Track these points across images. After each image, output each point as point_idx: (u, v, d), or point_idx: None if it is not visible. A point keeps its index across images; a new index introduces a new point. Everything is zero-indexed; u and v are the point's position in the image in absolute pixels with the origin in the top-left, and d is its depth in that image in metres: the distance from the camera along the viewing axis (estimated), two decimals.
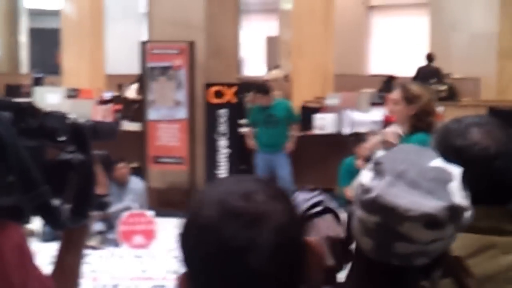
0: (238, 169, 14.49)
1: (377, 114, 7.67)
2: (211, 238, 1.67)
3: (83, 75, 22.35)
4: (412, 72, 25.99)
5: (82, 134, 2.70)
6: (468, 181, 2.36)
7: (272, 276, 1.65)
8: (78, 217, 2.55)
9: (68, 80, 22.09)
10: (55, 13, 25.14)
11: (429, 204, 1.99)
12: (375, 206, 2.04)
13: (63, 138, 2.51)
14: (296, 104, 19.09)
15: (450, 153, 2.60)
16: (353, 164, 10.11)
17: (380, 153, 2.19)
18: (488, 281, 2.60)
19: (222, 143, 14.39)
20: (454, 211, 2.03)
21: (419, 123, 7.18)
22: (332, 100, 16.33)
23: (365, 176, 2.12)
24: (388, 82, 23.89)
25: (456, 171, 2.14)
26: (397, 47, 32.21)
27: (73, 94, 17.49)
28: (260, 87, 14.50)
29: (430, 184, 2.04)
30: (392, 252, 2.06)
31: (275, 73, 27.34)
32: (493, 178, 2.68)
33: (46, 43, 27.82)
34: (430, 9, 31.39)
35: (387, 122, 7.39)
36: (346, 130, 7.92)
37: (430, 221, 1.99)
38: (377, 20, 33.76)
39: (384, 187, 2.04)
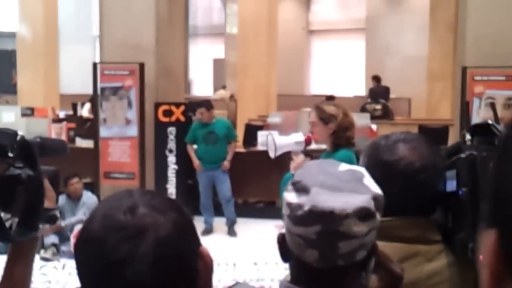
0: (185, 184, 14.48)
1: (299, 135, 7.70)
2: (94, 251, 1.65)
3: (38, 94, 22.11)
4: (352, 92, 26.15)
5: (30, 151, 2.67)
6: (395, 194, 2.53)
7: (151, 287, 1.61)
8: (27, 230, 2.52)
9: (24, 99, 21.96)
10: (11, 35, 24.89)
11: (358, 200, 2.10)
12: (313, 216, 2.08)
13: (11, 155, 2.48)
14: (241, 122, 19.17)
15: (378, 167, 2.70)
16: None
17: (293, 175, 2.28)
18: (412, 286, 2.61)
19: (171, 159, 14.31)
20: (378, 200, 2.14)
21: (339, 140, 7.31)
22: (274, 118, 16.39)
23: (290, 197, 2.18)
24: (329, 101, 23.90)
25: (361, 168, 2.31)
26: (336, 69, 32.31)
27: (28, 112, 17.39)
28: (203, 102, 14.44)
29: (350, 184, 2.15)
30: (337, 253, 2.11)
31: (222, 93, 27.40)
32: (418, 191, 2.69)
33: (2, 63, 27.54)
34: (366, 34, 31.73)
35: (307, 142, 7.39)
36: (271, 154, 7.92)
37: (364, 213, 2.09)
38: (316, 43, 33.91)
39: (314, 198, 2.09)
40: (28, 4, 22.90)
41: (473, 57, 12.89)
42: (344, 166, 2.25)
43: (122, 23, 14.33)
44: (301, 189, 2.15)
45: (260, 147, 15.14)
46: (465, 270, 2.63)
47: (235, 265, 11.83)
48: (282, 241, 2.24)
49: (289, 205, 2.16)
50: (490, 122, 2.71)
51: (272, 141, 7.04)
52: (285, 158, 7.67)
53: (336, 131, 7.28)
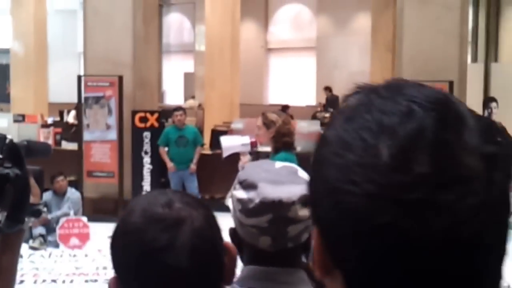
0: (159, 182, 14.35)
1: (246, 138, 7.93)
2: (135, 241, 1.64)
3: (28, 103, 22.07)
4: (304, 102, 26.16)
5: (18, 152, 2.66)
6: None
7: (189, 273, 1.61)
8: (14, 223, 2.50)
9: (16, 107, 21.87)
10: (5, 51, 24.79)
11: (299, 189, 2.17)
12: (264, 207, 2.16)
13: (1, 156, 2.47)
14: (207, 127, 19.15)
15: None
16: None
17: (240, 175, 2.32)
18: None
19: (146, 160, 14.26)
20: None
21: (277, 143, 7.60)
22: (237, 124, 16.33)
23: (239, 194, 2.24)
24: (283, 110, 23.92)
25: (292, 163, 2.46)
26: (290, 82, 32.29)
27: (19, 119, 17.43)
28: (180, 107, 14.53)
29: (288, 177, 2.24)
30: (287, 237, 2.19)
31: (191, 102, 27.38)
32: None
33: None
34: (316, 52, 31.77)
35: (253, 144, 7.66)
36: (224, 154, 8.13)
37: (305, 200, 2.13)
38: (274, 60, 33.83)
39: (263, 191, 2.17)
40: (20, 24, 22.85)
41: (408, 73, 12.94)
42: (279, 164, 2.36)
43: (103, 41, 14.28)
44: (248, 186, 2.21)
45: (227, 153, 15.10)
46: None
47: None
48: (233, 234, 2.30)
49: (240, 200, 2.22)
50: None
51: (228, 142, 7.18)
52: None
53: (275, 136, 7.57)
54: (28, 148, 2.90)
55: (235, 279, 2.29)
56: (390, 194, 0.89)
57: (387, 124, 0.92)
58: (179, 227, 1.62)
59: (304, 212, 2.17)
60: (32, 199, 2.61)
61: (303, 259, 2.33)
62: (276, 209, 2.15)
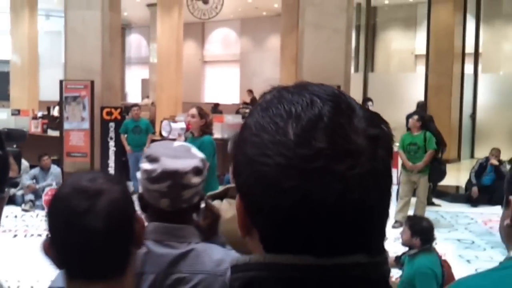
0: (120, 160, 14.22)
1: (183, 124, 8.32)
2: (62, 207, 1.56)
3: (23, 101, 21.92)
4: (231, 101, 26.18)
5: (0, 138, 2.53)
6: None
7: (105, 235, 1.53)
8: None
9: (14, 104, 21.72)
10: (7, 62, 24.45)
11: (192, 161, 2.23)
12: (164, 175, 2.17)
13: None
14: (158, 120, 18.99)
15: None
16: None
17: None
18: None
19: (111, 144, 14.12)
20: (204, 161, 2.29)
21: (207, 130, 7.81)
22: (180, 117, 16.23)
23: (145, 166, 2.22)
24: (215, 108, 23.95)
25: (188, 144, 2.46)
26: (220, 86, 32.28)
27: (16, 113, 17.44)
28: (137, 104, 14.64)
29: (183, 153, 2.26)
30: (182, 199, 2.21)
31: (146, 101, 27.19)
32: None
33: (1, 81, 26.88)
34: (240, 64, 31.92)
35: (187, 129, 7.89)
36: (165, 135, 8.46)
37: (197, 170, 2.22)
38: (208, 69, 33.85)
39: (164, 163, 2.18)
40: (17, 41, 22.61)
41: (307, 79, 12.20)
42: (177, 143, 2.38)
43: (79, 54, 14.06)
44: (153, 159, 2.21)
45: (171, 136, 14.96)
46: None
47: None
48: (141, 198, 2.27)
49: (146, 171, 2.21)
50: None
51: (169, 126, 7.22)
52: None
53: (206, 124, 7.77)
54: (8, 134, 2.81)
55: None
56: (295, 164, 0.89)
57: (294, 111, 0.93)
58: (98, 196, 1.55)
59: (196, 180, 2.21)
60: (11, 174, 2.50)
61: (195, 217, 2.35)
62: (173, 177, 2.17)
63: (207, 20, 19.17)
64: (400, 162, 11.36)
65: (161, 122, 16.90)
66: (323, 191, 0.88)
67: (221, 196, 2.75)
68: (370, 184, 0.91)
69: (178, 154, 2.23)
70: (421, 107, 13.73)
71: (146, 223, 1.67)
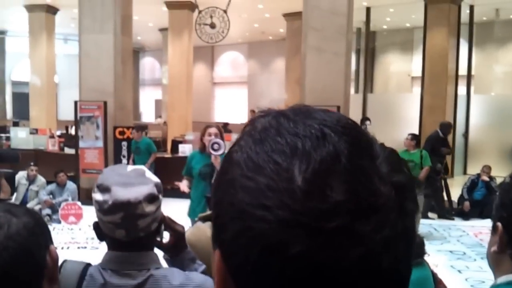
0: None
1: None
2: None
3: (42, 120, 21.96)
4: (240, 120, 26.24)
5: None
6: None
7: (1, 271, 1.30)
8: None
9: (33, 123, 21.79)
10: (26, 83, 24.51)
11: (145, 189, 2.04)
12: (116, 206, 2.00)
13: None
14: (169, 138, 19.05)
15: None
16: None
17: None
18: None
19: (124, 162, 13.92)
20: (158, 186, 2.08)
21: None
22: (189, 136, 16.26)
23: (97, 196, 2.05)
24: (225, 127, 23.96)
25: (142, 166, 2.22)
26: (230, 106, 32.30)
27: (34, 132, 17.28)
28: (136, 126, 14.27)
29: (137, 179, 2.06)
30: (138, 229, 2.04)
31: (159, 120, 27.20)
32: None
33: (22, 101, 27.02)
34: (248, 85, 31.95)
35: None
36: (220, 152, 8.32)
37: (151, 197, 2.04)
38: (218, 90, 33.84)
39: (115, 194, 2.00)
40: (36, 64, 22.70)
41: (310, 99, 13.02)
42: (130, 167, 2.15)
43: (93, 76, 14.12)
44: (104, 189, 2.03)
45: (180, 154, 14.95)
46: None
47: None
48: (96, 226, 2.13)
49: (97, 202, 2.05)
50: None
51: (223, 144, 6.80)
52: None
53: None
54: (0, 155, 2.68)
55: (99, 262, 2.15)
56: (305, 222, 0.63)
57: (301, 147, 0.67)
58: None
59: (150, 208, 2.04)
60: (2, 195, 2.42)
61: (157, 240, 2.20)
62: (126, 208, 2.00)
63: (214, 44, 19.16)
64: None
65: (172, 141, 17.00)
66: (342, 258, 0.64)
67: (211, 218, 2.65)
68: (400, 249, 0.68)
69: (131, 181, 2.05)
70: (444, 127, 13.64)
71: (58, 256, 1.48)
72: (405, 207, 0.68)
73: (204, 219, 2.57)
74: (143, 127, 13.55)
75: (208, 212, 2.57)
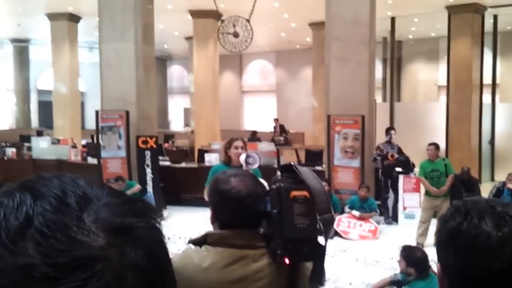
0: (159, 186, 14.12)
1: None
2: None
3: (66, 129, 22.00)
4: (268, 128, 26.25)
5: None
6: (228, 213, 2.32)
7: None
8: None
9: (57, 132, 21.85)
10: (50, 92, 24.57)
11: None
12: None
13: None
14: (196, 147, 18.98)
15: (217, 194, 2.36)
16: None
17: None
18: (241, 281, 2.28)
19: (148, 171, 14.00)
20: None
21: None
22: (215, 145, 16.15)
23: None
24: (253, 135, 23.96)
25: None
26: (258, 114, 32.25)
27: (56, 141, 17.15)
28: (116, 177, 13.91)
29: None
30: None
31: (186, 129, 27.24)
32: (245, 211, 2.30)
33: (46, 110, 27.16)
34: (276, 94, 31.98)
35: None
36: (256, 165, 8.02)
37: None
38: (246, 99, 33.81)
39: None
40: (59, 72, 22.77)
41: (334, 109, 13.01)
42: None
43: (114, 85, 14.13)
44: None
45: (207, 163, 14.86)
46: (280, 267, 2.27)
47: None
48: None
49: None
50: (292, 163, 2.35)
51: (258, 157, 6.59)
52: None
53: None
54: None
55: None
56: None
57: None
58: None
59: None
60: None
61: None
62: None
63: (237, 52, 19.07)
64: (422, 188, 11.51)
65: (198, 151, 16.92)
66: None
67: (200, 242, 2.45)
68: None
69: None
70: (465, 173, 13.51)
71: None
72: (125, 253, 0.63)
73: (194, 243, 2.42)
74: (121, 177, 12.89)
75: (199, 235, 2.40)
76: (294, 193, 2.18)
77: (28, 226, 0.62)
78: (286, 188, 2.20)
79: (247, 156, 6.52)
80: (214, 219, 2.41)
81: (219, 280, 2.26)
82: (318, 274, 2.23)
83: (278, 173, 2.43)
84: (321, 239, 2.16)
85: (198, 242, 2.38)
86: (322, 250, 2.18)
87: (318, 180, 2.27)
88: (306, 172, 2.27)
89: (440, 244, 1.46)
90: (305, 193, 2.18)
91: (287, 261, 2.18)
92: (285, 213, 2.16)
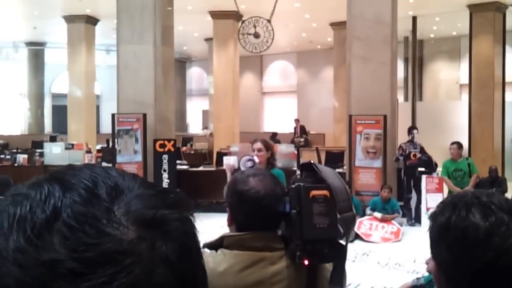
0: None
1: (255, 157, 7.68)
2: None
3: (81, 134, 22.01)
4: (288, 130, 26.21)
5: None
6: (247, 214, 2.28)
7: None
8: None
9: (71, 137, 21.80)
10: (65, 96, 24.72)
11: None
12: None
13: None
14: (216, 149, 18.99)
15: (235, 194, 2.33)
16: None
17: None
18: (258, 285, 2.24)
19: (165, 176, 13.96)
20: None
21: (273, 161, 7.06)
22: (234, 148, 16.14)
23: None
24: (273, 136, 23.94)
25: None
26: (279, 116, 32.20)
27: (70, 147, 16.94)
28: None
29: None
30: None
31: (205, 131, 27.21)
32: (263, 212, 2.26)
33: (61, 114, 27.15)
34: (297, 94, 31.97)
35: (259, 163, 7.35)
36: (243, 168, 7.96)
37: None
38: (267, 100, 33.80)
39: None
40: (74, 76, 22.89)
41: (355, 109, 13.01)
42: None
43: (131, 88, 14.19)
44: None
45: (225, 167, 14.85)
46: (299, 269, 2.22)
47: None
48: None
49: None
50: (312, 161, 2.30)
51: (253, 161, 6.58)
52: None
53: (272, 156, 7.05)
54: None
55: None
56: None
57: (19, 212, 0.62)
58: None
59: None
60: None
61: None
62: None
63: (258, 53, 19.08)
64: (445, 188, 11.49)
65: (217, 153, 16.89)
66: None
67: (216, 246, 2.41)
68: None
69: None
70: (493, 171, 13.39)
71: None
72: (156, 247, 0.61)
73: (209, 247, 2.37)
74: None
75: (214, 239, 2.36)
76: (314, 192, 2.14)
77: (55, 219, 0.60)
78: (306, 187, 2.15)
79: (248, 160, 6.55)
80: (231, 221, 2.38)
81: (235, 284, 2.23)
82: (339, 276, 2.18)
83: (298, 172, 2.39)
84: (341, 239, 2.12)
85: (214, 245, 2.34)
86: (342, 250, 2.14)
87: (339, 177, 2.22)
88: (326, 170, 2.23)
89: (432, 242, 1.51)
90: (325, 192, 2.13)
91: (306, 262, 2.14)
92: (304, 213, 2.12)
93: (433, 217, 1.52)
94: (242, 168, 6.36)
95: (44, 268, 0.57)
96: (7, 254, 0.58)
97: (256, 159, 6.64)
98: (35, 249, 0.58)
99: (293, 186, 2.22)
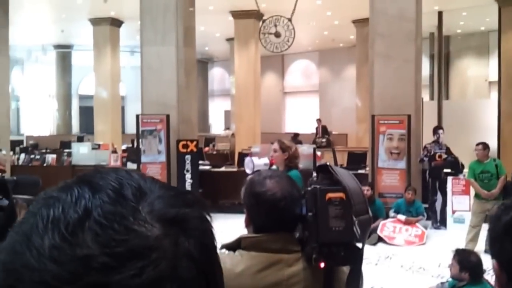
0: (197, 192, 14.10)
1: (266, 159, 7.54)
2: None
3: (107, 134, 22.38)
4: (310, 130, 26.16)
5: (5, 187, 2.40)
6: (263, 216, 2.31)
7: None
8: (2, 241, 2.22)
9: (98, 137, 22.21)
10: (91, 97, 25.26)
11: None
12: None
13: None
14: (237, 151, 19.02)
15: (252, 196, 2.35)
16: None
17: None
18: (275, 287, 2.27)
19: (188, 176, 14.07)
20: None
21: (290, 164, 6.79)
22: (255, 148, 16.17)
23: None
24: (295, 137, 23.88)
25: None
26: (300, 116, 32.15)
27: (96, 147, 17.36)
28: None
29: None
30: None
31: (227, 132, 27.28)
32: (280, 214, 2.29)
33: (88, 115, 27.60)
34: (319, 94, 31.87)
35: (271, 164, 7.20)
36: (248, 171, 7.75)
37: None
38: (289, 100, 33.81)
39: None
40: (100, 77, 23.32)
41: (379, 108, 12.91)
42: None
43: (155, 89, 14.31)
44: None
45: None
46: (315, 272, 2.24)
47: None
48: None
49: None
50: (328, 163, 2.34)
51: (252, 162, 6.58)
52: None
53: (289, 158, 6.79)
54: (17, 183, 2.67)
55: None
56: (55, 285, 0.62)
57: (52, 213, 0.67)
58: None
59: None
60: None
61: None
62: None
63: (279, 53, 19.09)
64: (472, 190, 11.13)
65: (239, 154, 16.92)
66: None
67: (234, 247, 2.45)
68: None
69: None
70: None
71: None
72: (178, 242, 0.67)
73: (227, 248, 2.42)
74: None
75: (232, 240, 2.40)
76: (330, 195, 2.16)
77: (87, 218, 0.66)
78: (322, 190, 2.17)
79: (249, 162, 6.55)
80: (249, 222, 2.41)
81: (252, 285, 2.25)
82: (355, 279, 2.21)
83: (314, 174, 2.42)
84: (357, 242, 2.15)
85: (232, 246, 2.37)
86: (359, 253, 2.16)
87: (355, 180, 2.24)
88: (342, 172, 2.25)
89: (495, 240, 1.52)
90: (341, 194, 2.16)
91: (322, 265, 2.16)
92: (320, 216, 2.14)
93: (496, 217, 1.53)
94: (246, 169, 6.41)
95: (79, 263, 0.63)
96: (44, 252, 0.64)
97: (266, 160, 6.63)
98: (69, 246, 0.64)
99: (309, 188, 2.25)
